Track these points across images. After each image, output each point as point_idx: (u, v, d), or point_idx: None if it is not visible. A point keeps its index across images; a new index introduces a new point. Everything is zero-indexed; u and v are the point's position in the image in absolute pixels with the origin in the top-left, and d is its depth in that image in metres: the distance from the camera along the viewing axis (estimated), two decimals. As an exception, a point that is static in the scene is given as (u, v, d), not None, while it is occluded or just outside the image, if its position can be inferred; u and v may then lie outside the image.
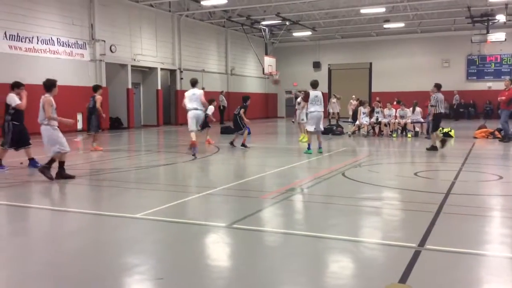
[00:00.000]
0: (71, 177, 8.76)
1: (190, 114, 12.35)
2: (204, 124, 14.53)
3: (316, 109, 12.65)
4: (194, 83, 12.66)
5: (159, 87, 26.60)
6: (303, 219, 6.29)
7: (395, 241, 5.01)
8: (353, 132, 18.93)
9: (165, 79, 27.83)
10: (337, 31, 34.54)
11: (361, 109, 19.06)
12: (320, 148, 12.82)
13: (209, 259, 4.64)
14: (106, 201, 7.49)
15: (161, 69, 26.78)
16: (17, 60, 18.45)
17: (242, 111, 14.34)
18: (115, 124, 23.88)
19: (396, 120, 18.58)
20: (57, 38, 20.27)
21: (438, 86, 13.74)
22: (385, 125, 18.70)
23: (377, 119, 18.70)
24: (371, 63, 36.24)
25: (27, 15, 18.87)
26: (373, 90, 35.30)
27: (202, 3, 25.15)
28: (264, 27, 31.29)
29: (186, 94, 12.67)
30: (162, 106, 26.94)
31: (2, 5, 15.60)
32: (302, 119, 16.14)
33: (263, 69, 31.32)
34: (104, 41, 22.34)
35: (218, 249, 4.97)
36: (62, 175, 8.71)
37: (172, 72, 28.00)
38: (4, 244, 5.18)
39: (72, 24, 20.99)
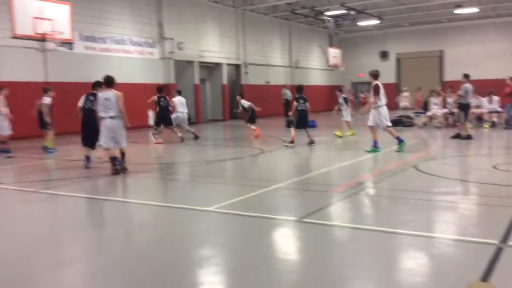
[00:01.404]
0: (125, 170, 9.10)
1: None
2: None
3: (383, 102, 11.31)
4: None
5: (225, 82, 27.01)
6: (374, 214, 6.16)
7: (474, 237, 4.79)
8: (425, 124, 18.24)
9: (230, 74, 28.22)
10: (405, 19, 33.33)
11: (432, 99, 18.32)
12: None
13: (281, 252, 4.68)
14: (179, 194, 7.73)
15: (227, 64, 27.17)
16: (92, 60, 19.45)
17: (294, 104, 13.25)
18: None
19: (471, 110, 17.66)
20: (129, 38, 21.15)
21: (467, 76, 13.78)
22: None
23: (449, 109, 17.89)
24: (442, 51, 34.69)
25: (100, 17, 19.81)
26: (445, 79, 33.78)
27: (266, -3, 25.20)
28: (329, 18, 30.84)
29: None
30: (228, 101, 27.35)
31: (78, 7, 16.46)
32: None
33: (328, 61, 30.93)
34: (173, 39, 23.01)
35: (289, 243, 5.00)
36: (120, 168, 9.06)
37: (237, 66, 28.33)
38: (83, 235, 5.51)
39: (142, 24, 21.79)
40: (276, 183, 7.90)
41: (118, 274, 4.16)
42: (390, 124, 11.42)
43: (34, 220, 6.21)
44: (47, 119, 12.53)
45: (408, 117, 20.34)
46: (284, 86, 29.91)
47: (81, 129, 10.14)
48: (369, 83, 12.34)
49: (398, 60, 36.63)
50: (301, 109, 13.09)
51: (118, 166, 8.98)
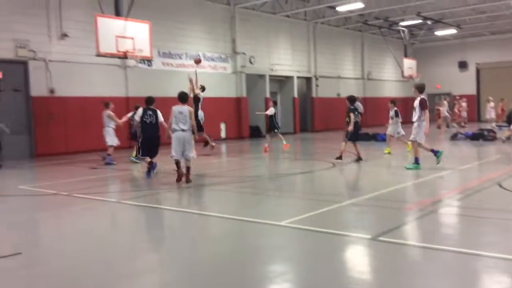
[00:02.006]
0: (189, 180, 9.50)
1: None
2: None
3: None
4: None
5: (296, 95, 27.06)
6: (454, 234, 5.85)
7: None
8: (508, 138, 17.16)
9: (301, 86, 28.23)
10: (486, 28, 31.74)
11: (517, 112, 17.22)
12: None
13: (354, 271, 4.57)
14: (250, 208, 7.79)
15: (297, 77, 27.23)
16: (169, 75, 20.27)
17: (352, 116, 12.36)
18: (255, 133, 24.80)
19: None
20: (203, 54, 21.83)
21: None
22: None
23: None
24: (526, 60, 32.59)
25: (177, 34, 20.66)
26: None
27: (338, 9, 25.03)
28: (403, 28, 30.06)
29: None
30: (299, 114, 27.35)
31: (156, 25, 17.25)
32: (399, 132, 14.20)
33: (402, 72, 30.08)
34: (245, 53, 23.46)
35: (363, 262, 4.87)
36: (185, 179, 9.52)
37: (308, 79, 28.30)
38: (154, 246, 5.70)
39: (216, 40, 22.44)
40: (349, 198, 7.75)
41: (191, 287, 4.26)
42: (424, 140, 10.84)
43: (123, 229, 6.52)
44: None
45: (490, 130, 19.26)
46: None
47: (140, 142, 10.83)
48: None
49: (478, 71, 34.86)
50: (356, 121, 12.40)
51: (177, 170, 9.56)
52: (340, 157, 12.27)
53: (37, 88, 16.36)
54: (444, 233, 5.90)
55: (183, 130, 9.44)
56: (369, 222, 6.48)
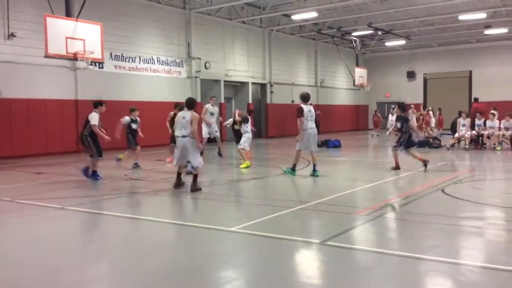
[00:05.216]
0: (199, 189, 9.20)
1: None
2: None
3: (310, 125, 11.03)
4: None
5: (250, 101, 27.19)
6: (399, 238, 6.05)
7: (503, 265, 4.65)
8: (452, 145, 17.93)
9: (256, 93, 28.40)
10: (434, 39, 33.12)
11: (460, 121, 18.03)
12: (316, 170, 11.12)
13: (303, 276, 4.63)
14: (202, 214, 7.77)
15: (252, 83, 27.38)
16: (121, 78, 19.88)
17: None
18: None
19: (500, 132, 17.33)
20: (157, 57, 21.57)
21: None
22: (488, 137, 17.50)
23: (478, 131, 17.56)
24: (471, 71, 34.22)
25: (130, 37, 20.30)
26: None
27: (293, 17, 25.41)
28: (355, 38, 30.88)
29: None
30: (253, 120, 27.46)
31: (108, 27, 16.90)
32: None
33: (354, 80, 30.88)
34: (200, 58, 23.36)
35: (312, 266, 4.94)
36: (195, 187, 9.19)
37: (263, 86, 28.51)
38: (101, 254, 5.57)
39: (171, 44, 22.22)
40: (299, 203, 7.86)
41: (140, 293, 4.18)
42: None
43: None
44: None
45: (435, 138, 20.07)
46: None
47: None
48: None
49: (425, 80, 36.27)
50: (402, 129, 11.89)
51: (179, 181, 9.48)
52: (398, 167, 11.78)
53: (-19, 89, 15.64)
54: (389, 237, 6.09)
55: (183, 136, 9.13)
56: (318, 227, 6.59)
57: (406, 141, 11.77)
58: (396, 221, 6.98)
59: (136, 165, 12.96)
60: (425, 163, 11.57)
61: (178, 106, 12.99)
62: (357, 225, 6.58)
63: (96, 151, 10.68)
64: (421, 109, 27.36)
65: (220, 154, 15.36)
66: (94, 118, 10.67)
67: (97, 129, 10.63)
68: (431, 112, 26.11)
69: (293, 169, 11.21)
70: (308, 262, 5.09)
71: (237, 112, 15.34)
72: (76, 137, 14.50)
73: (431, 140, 19.08)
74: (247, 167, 12.90)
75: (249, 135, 13.49)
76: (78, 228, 6.89)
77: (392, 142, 11.71)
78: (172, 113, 14.28)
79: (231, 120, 15.57)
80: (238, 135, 14.58)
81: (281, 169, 11.57)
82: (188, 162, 9.48)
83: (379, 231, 6.29)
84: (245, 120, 13.51)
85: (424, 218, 6.83)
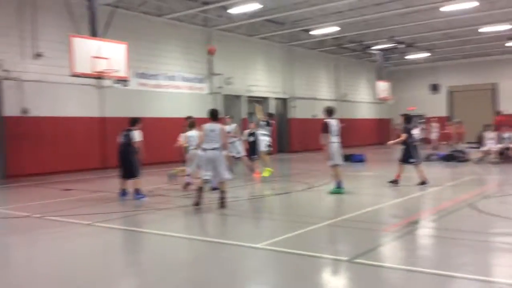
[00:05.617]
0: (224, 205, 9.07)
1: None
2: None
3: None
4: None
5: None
6: (430, 256, 5.92)
7: (539, 285, 4.51)
8: (480, 159, 17.57)
9: (277, 107, 28.44)
10: (456, 52, 32.74)
11: (487, 134, 17.70)
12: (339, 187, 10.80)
13: (332, 294, 4.57)
14: (227, 230, 7.76)
15: (274, 98, 27.46)
16: (145, 95, 20.18)
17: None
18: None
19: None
20: (180, 74, 21.86)
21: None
22: (516, 150, 17.13)
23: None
24: (495, 84, 33.68)
25: (153, 55, 20.64)
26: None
27: (312, 33, 25.47)
28: (377, 52, 30.77)
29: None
30: (276, 135, 27.47)
31: (132, 46, 17.17)
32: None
33: (377, 94, 30.69)
34: (221, 74, 23.57)
35: (341, 284, 4.88)
36: (223, 203, 9.11)
37: (284, 100, 28.56)
38: (129, 271, 5.59)
39: (193, 61, 22.51)
40: (326, 220, 7.78)
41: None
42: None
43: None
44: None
45: (462, 151, 19.71)
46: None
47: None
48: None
49: (450, 93, 35.83)
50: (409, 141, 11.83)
51: (200, 199, 9.11)
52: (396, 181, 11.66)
53: (10, 108, 16.05)
54: (419, 255, 5.97)
55: (214, 149, 9.02)
56: (346, 243, 6.51)
57: (412, 153, 11.64)
58: (426, 238, 6.85)
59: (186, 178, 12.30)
60: (396, 181, 11.54)
61: (189, 120, 12.88)
62: (386, 242, 6.47)
63: (138, 168, 10.62)
64: (447, 122, 26.97)
65: (250, 170, 14.57)
66: (138, 135, 10.61)
67: (141, 145, 10.61)
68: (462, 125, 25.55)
69: (339, 187, 10.74)
70: (336, 280, 5.02)
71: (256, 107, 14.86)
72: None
73: (457, 154, 18.71)
74: (269, 174, 12.80)
75: (269, 138, 13.39)
76: (106, 245, 6.95)
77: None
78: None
79: (247, 131, 14.91)
80: (252, 148, 14.20)
81: (328, 192, 10.74)
82: (213, 177, 9.25)
83: (408, 248, 6.18)
84: (266, 123, 13.43)
85: (454, 235, 6.69)
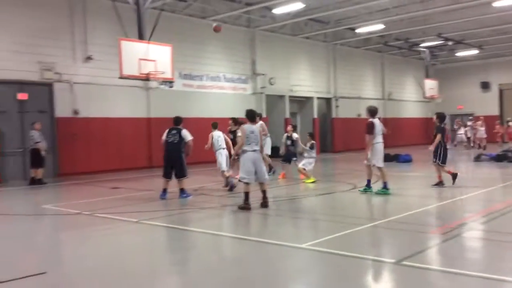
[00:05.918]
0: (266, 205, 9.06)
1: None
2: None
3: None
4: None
5: (316, 116, 27.06)
6: (479, 259, 5.73)
7: None
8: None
9: (321, 107, 28.24)
10: (508, 48, 31.43)
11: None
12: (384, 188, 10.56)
13: (378, 296, 4.50)
14: (271, 230, 7.77)
15: (317, 98, 27.28)
16: (189, 96, 20.55)
17: None
18: (275, 153, 24.62)
19: None
20: (223, 75, 22.11)
21: None
22: None
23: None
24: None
25: (198, 56, 20.97)
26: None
27: (358, 31, 25.12)
28: (424, 49, 29.99)
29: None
30: (319, 134, 27.27)
31: (177, 48, 17.50)
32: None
33: (424, 92, 29.91)
34: (264, 74, 23.65)
35: (386, 287, 4.79)
36: (266, 203, 9.10)
37: (328, 100, 28.31)
38: (175, 269, 5.71)
39: (236, 62, 22.72)
40: (371, 221, 7.67)
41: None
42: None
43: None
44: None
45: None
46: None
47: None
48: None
49: (501, 91, 34.44)
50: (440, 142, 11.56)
51: (246, 204, 8.94)
52: (441, 182, 11.44)
53: (62, 109, 16.75)
54: (468, 258, 5.78)
55: (254, 151, 8.91)
56: (392, 245, 6.39)
57: (443, 154, 11.35)
58: (475, 241, 6.63)
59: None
60: (441, 182, 11.24)
61: (234, 120, 12.95)
62: (433, 244, 6.31)
63: (186, 169, 10.70)
64: (498, 121, 25.96)
65: (270, 170, 14.26)
66: (189, 134, 10.67)
67: (192, 143, 10.63)
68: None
69: (385, 187, 10.54)
70: (382, 282, 4.95)
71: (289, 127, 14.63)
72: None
73: (510, 154, 17.97)
74: (313, 182, 12.80)
75: (313, 160, 13.32)
76: (153, 242, 7.12)
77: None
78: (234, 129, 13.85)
79: (285, 135, 14.47)
80: (288, 153, 13.97)
81: (375, 193, 10.54)
82: (255, 179, 9.06)
83: (457, 251, 6.00)
84: (311, 146, 13.37)
85: (505, 238, 6.45)
